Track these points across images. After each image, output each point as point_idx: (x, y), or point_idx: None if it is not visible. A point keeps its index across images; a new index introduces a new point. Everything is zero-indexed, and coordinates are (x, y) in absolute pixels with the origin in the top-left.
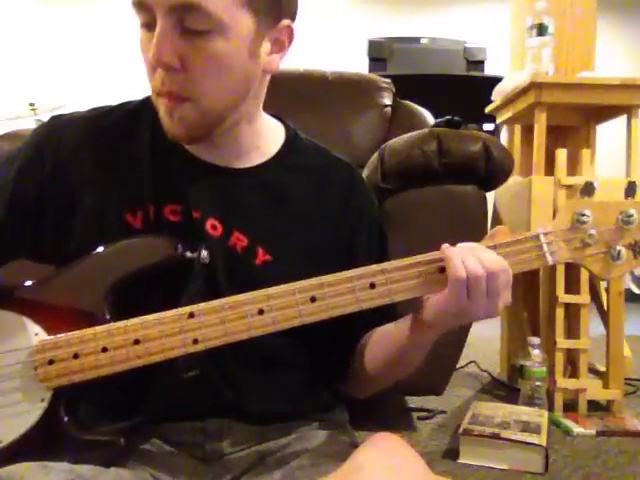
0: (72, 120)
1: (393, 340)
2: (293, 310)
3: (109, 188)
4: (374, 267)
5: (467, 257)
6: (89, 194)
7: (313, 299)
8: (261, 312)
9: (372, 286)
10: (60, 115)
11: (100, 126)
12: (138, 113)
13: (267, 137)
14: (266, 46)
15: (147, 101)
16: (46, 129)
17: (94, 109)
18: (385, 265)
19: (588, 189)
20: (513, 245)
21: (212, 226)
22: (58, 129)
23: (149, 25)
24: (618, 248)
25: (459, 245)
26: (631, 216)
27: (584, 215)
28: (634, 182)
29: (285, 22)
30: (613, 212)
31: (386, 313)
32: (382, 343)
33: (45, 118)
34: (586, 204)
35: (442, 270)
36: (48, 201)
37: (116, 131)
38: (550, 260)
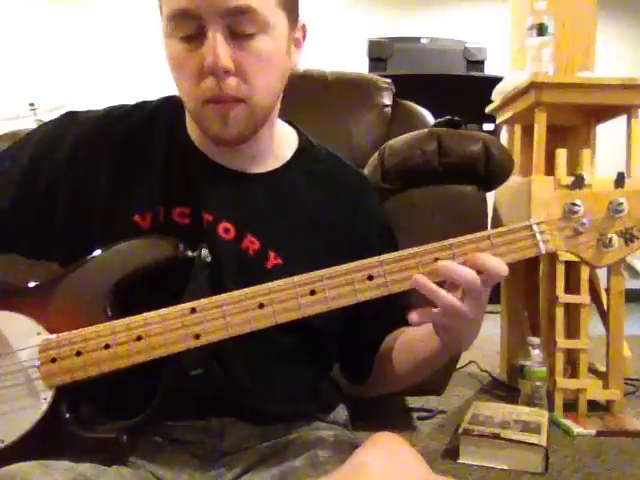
0: (88, 118)
1: (420, 345)
2: (293, 303)
3: (121, 189)
4: (372, 259)
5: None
6: (100, 194)
7: (313, 292)
8: (262, 306)
9: (370, 278)
10: (76, 112)
11: (117, 127)
12: (155, 115)
13: (281, 143)
14: (290, 45)
15: (164, 103)
16: (61, 124)
17: (112, 109)
18: (383, 257)
19: (579, 182)
20: (507, 234)
21: (224, 229)
22: (74, 126)
23: (190, 37)
24: (609, 236)
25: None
26: (621, 204)
27: (575, 205)
28: (622, 173)
29: (302, 22)
30: (604, 202)
31: (405, 315)
32: (409, 347)
33: (45, 118)
34: (577, 195)
35: (437, 261)
36: (57, 197)
37: (132, 133)
38: (543, 248)
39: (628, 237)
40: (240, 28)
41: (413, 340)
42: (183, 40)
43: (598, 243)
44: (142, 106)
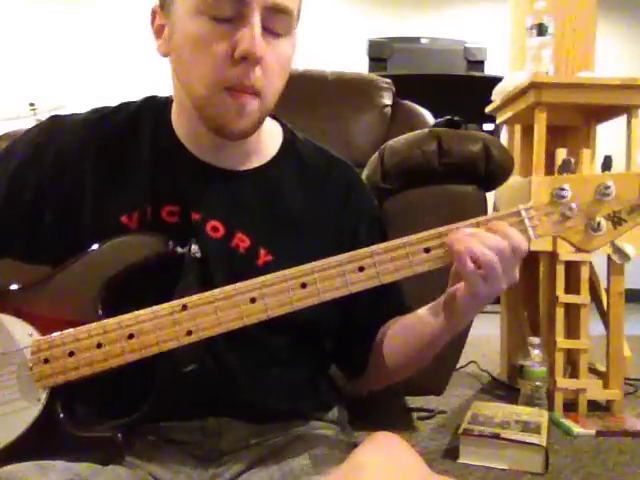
0: (72, 122)
1: (416, 331)
2: (285, 296)
3: (107, 190)
4: (363, 251)
5: (476, 246)
6: (87, 196)
7: (304, 285)
8: (253, 300)
9: (361, 269)
10: (60, 116)
11: (101, 128)
12: (139, 115)
13: (267, 138)
14: None
15: (146, 103)
16: (46, 129)
17: (94, 111)
18: (373, 248)
19: (566, 166)
20: (496, 221)
21: (213, 228)
22: (58, 130)
23: (223, 19)
24: (598, 219)
25: (461, 234)
26: (608, 187)
27: (563, 190)
28: (609, 157)
29: None
30: (591, 185)
31: (397, 305)
32: (404, 335)
33: (45, 118)
34: (564, 179)
35: (427, 250)
36: (46, 202)
37: (117, 133)
38: (532, 234)
39: (616, 220)
40: (272, 26)
41: (409, 323)
42: (215, 20)
43: (587, 227)
44: (124, 107)
